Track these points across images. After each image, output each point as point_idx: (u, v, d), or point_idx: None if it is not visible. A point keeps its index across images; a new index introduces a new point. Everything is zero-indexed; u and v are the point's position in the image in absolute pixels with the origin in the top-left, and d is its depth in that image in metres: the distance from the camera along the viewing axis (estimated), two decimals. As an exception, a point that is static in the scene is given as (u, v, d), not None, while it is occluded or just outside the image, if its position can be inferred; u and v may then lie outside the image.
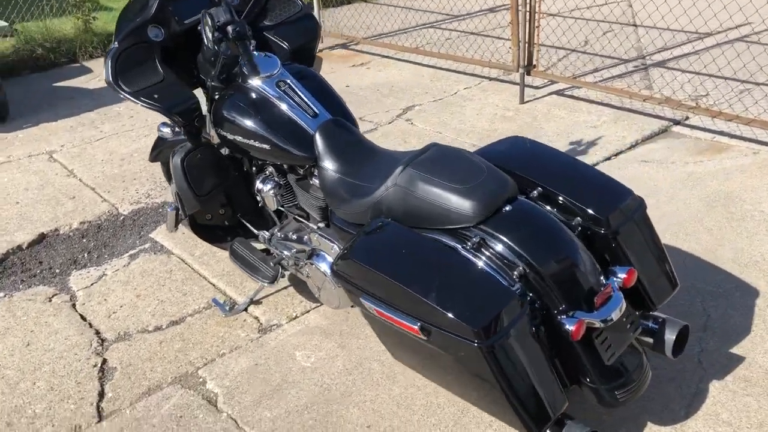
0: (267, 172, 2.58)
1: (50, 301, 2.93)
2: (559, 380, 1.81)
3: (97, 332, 2.72)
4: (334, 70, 5.74)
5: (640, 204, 2.05)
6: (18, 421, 2.30)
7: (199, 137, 2.58)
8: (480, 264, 1.87)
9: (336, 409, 2.26)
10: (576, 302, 1.82)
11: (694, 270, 2.83)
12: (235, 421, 2.25)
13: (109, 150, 4.39)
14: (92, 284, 3.04)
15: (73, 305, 2.90)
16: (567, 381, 1.88)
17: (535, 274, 1.83)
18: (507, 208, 1.92)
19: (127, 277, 3.07)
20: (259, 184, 2.56)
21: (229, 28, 2.34)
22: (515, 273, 1.84)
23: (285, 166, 2.51)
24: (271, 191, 2.53)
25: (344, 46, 6.44)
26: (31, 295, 2.98)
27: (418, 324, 1.76)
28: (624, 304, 1.86)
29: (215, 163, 2.63)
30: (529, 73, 4.76)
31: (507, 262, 1.86)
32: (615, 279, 1.91)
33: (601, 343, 1.84)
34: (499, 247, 1.87)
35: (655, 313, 2.08)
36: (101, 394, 2.40)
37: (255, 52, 2.47)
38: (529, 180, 2.07)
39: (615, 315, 1.82)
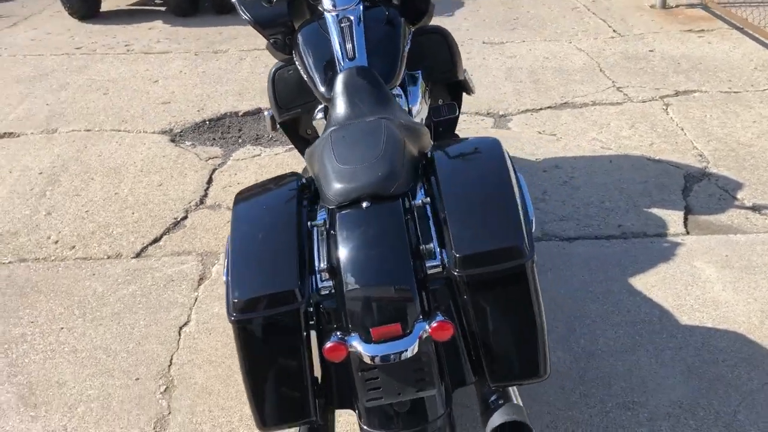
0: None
1: (221, 158, 3.55)
2: (319, 395, 1.67)
3: (204, 195, 3.25)
4: (661, 30, 5.05)
5: (522, 262, 1.61)
6: (103, 229, 3.00)
7: (290, 54, 2.75)
8: (311, 247, 1.76)
9: (257, 333, 2.40)
10: (357, 326, 1.62)
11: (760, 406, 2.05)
12: (193, 304, 2.56)
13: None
14: (251, 158, 3.55)
15: (214, 169, 3.46)
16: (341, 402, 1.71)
17: (338, 281, 1.67)
18: (365, 204, 1.73)
19: (267, 163, 3.51)
20: (315, 113, 2.66)
21: None
22: (325, 270, 1.69)
23: None
24: (321, 121, 2.61)
25: (704, 6, 5.52)
26: (205, 152, 3.64)
27: (227, 277, 1.79)
28: (412, 353, 1.57)
29: (303, 83, 2.79)
30: None
31: (328, 256, 1.72)
32: (425, 326, 1.61)
33: (364, 380, 1.61)
34: (331, 240, 1.73)
35: (511, 391, 1.69)
36: (156, 240, 2.94)
37: (338, -16, 2.50)
38: (437, 187, 1.79)
39: (387, 357, 1.57)
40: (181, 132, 3.84)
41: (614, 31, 5.11)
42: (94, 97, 4.27)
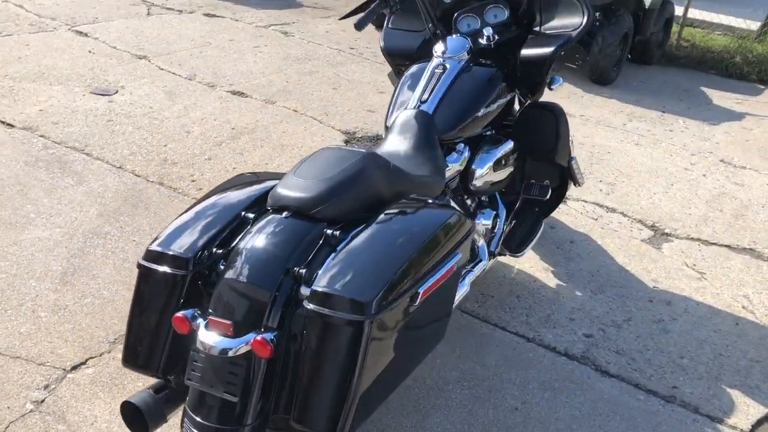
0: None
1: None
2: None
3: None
4: None
5: (360, 320, 1.55)
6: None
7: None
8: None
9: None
10: (212, 310, 1.72)
11: None
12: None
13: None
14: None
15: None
16: None
17: (225, 267, 1.78)
18: (285, 214, 1.82)
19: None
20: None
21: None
22: (222, 254, 1.82)
23: None
24: None
25: None
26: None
27: None
28: (232, 354, 1.63)
29: None
30: None
31: (234, 244, 1.83)
32: (252, 337, 1.64)
33: (192, 360, 1.70)
34: (246, 232, 1.85)
35: None
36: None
37: (454, 35, 2.55)
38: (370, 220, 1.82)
39: (208, 347, 1.65)
40: (359, 138, 4.15)
41: None
42: (325, 88, 4.81)
